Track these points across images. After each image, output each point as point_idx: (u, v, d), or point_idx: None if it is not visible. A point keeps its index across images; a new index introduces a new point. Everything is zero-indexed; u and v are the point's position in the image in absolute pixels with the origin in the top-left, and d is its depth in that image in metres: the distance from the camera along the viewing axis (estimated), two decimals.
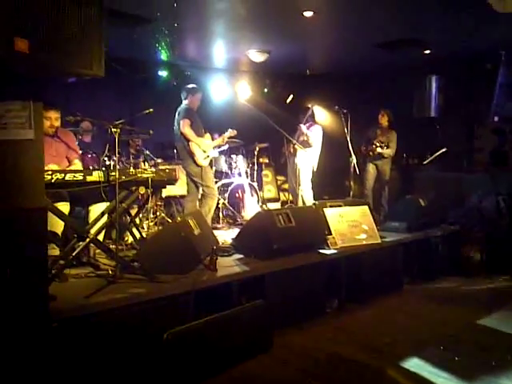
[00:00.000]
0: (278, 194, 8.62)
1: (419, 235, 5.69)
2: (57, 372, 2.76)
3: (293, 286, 4.22)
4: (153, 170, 4.18)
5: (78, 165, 4.68)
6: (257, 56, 7.13)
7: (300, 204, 6.34)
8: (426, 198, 6.16)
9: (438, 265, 5.76)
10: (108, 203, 4.02)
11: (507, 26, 5.48)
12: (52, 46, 2.58)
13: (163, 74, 7.88)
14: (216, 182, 6.59)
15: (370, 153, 6.71)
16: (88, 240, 3.68)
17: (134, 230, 4.54)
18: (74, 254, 3.66)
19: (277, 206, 8.06)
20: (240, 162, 7.07)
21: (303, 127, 6.42)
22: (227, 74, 8.27)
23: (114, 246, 4.19)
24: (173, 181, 4.23)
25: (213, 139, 5.84)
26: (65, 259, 3.66)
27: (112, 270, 3.73)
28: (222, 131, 6.07)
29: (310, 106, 6.74)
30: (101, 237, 4.02)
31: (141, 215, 5.52)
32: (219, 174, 7.16)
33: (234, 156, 7.29)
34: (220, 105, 8.06)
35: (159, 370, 3.09)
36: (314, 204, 5.32)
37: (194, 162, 5.43)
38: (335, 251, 4.65)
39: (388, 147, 6.65)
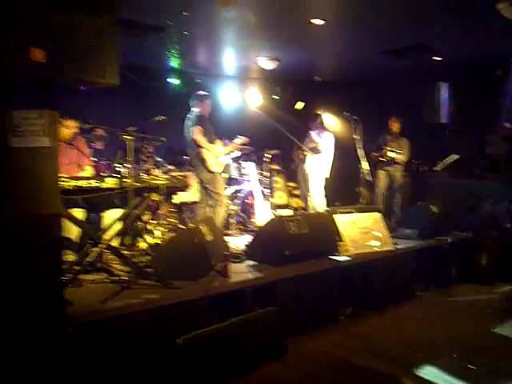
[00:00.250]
0: (289, 201, 8.60)
1: (431, 242, 5.66)
2: (72, 376, 2.78)
3: (305, 293, 4.21)
4: (165, 176, 4.21)
5: (88, 171, 4.73)
6: (267, 63, 7.17)
7: (310, 210, 6.33)
8: (437, 204, 6.12)
9: (451, 272, 5.72)
10: (121, 209, 4.06)
11: None
12: (67, 56, 2.63)
13: (174, 81, 7.94)
14: (227, 189, 6.61)
15: (381, 158, 6.68)
16: (102, 246, 3.71)
17: (147, 236, 4.57)
18: (88, 260, 3.69)
19: (287, 212, 8.04)
20: (251, 168, 7.08)
21: (313, 134, 6.43)
22: (237, 81, 8.31)
23: (127, 252, 4.22)
24: (185, 187, 4.26)
25: (224, 146, 5.87)
26: (80, 265, 3.69)
27: (126, 276, 3.76)
28: (232, 138, 6.10)
29: (319, 112, 6.75)
30: (115, 243, 4.05)
31: (153, 221, 5.54)
32: (230, 181, 7.18)
33: (244, 162, 7.31)
34: (230, 112, 8.11)
35: (173, 375, 3.09)
36: (326, 211, 5.32)
37: (206, 168, 5.46)
38: (347, 258, 4.64)
39: (401, 153, 6.62)
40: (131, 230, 4.28)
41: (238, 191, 7.07)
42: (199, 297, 3.54)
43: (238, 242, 5.77)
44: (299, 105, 7.64)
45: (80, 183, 3.60)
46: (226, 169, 6.96)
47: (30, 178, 2.69)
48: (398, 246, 5.19)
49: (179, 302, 3.43)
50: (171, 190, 4.51)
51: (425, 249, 5.52)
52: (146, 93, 7.33)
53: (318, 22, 5.39)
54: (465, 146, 7.41)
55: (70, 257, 3.94)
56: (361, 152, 6.13)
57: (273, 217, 5.74)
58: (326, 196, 6.49)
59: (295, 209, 8.33)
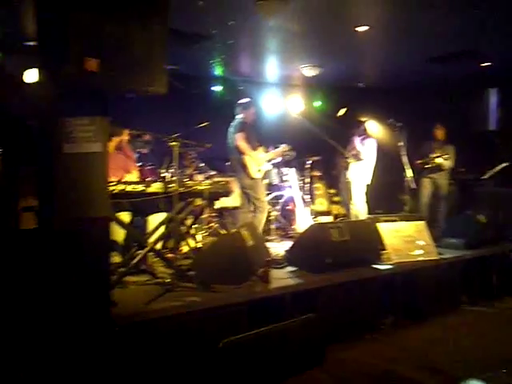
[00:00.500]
0: (330, 208, 8.55)
1: (478, 252, 5.48)
2: (117, 374, 2.87)
3: (346, 301, 4.18)
4: (209, 182, 4.29)
5: (134, 174, 4.86)
6: (309, 71, 7.17)
7: (352, 218, 6.27)
8: (484, 213, 5.94)
9: (499, 283, 5.52)
10: (165, 214, 4.16)
11: None
12: (119, 66, 2.74)
13: (217, 88, 8.06)
14: (268, 195, 6.65)
15: (427, 165, 6.54)
16: (147, 249, 3.81)
17: (190, 240, 4.66)
18: (133, 262, 3.80)
19: (328, 219, 7.99)
20: (292, 174, 7.09)
21: (356, 140, 6.38)
22: (279, 88, 8.35)
23: (170, 255, 4.32)
24: (228, 193, 4.32)
25: (267, 152, 5.92)
26: (125, 267, 3.81)
27: (169, 278, 3.85)
28: (274, 144, 6.14)
29: (363, 119, 6.69)
30: (158, 246, 4.16)
31: (195, 226, 5.63)
32: (271, 187, 7.21)
33: (285, 169, 7.32)
34: (272, 118, 8.15)
35: (213, 377, 3.13)
36: (368, 218, 5.26)
37: (248, 174, 5.51)
38: (390, 267, 4.57)
39: (447, 159, 6.46)
40: (174, 233, 4.38)
41: (278, 197, 7.09)
42: (240, 301, 3.58)
43: (278, 247, 5.79)
44: (341, 111, 7.59)
45: (127, 188, 3.72)
46: (267, 175, 7.00)
47: (81, 183, 2.81)
48: (443, 256, 5.06)
49: (220, 306, 3.47)
50: (214, 196, 4.58)
51: (471, 259, 5.36)
52: (189, 100, 7.48)
53: (363, 28, 5.36)
54: None
55: (115, 259, 4.07)
56: (405, 159, 6.03)
57: (313, 223, 5.71)
58: (367, 203, 6.41)
59: (336, 216, 8.27)
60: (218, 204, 6.33)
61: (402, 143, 6.05)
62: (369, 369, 3.56)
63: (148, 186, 3.85)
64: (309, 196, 7.40)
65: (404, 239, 4.92)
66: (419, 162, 6.62)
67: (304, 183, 7.56)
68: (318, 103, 8.68)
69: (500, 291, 5.50)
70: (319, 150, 7.63)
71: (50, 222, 2.82)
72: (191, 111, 7.45)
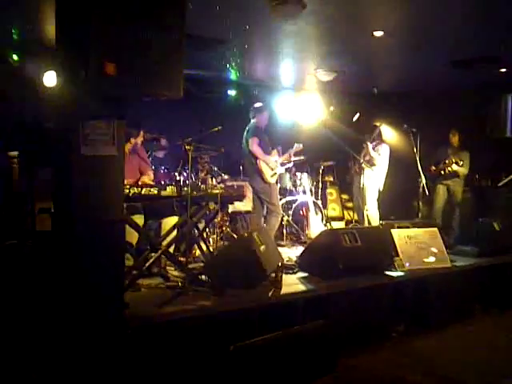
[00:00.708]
0: (343, 213, 8.53)
1: (492, 261, 5.42)
2: (129, 375, 2.89)
3: (357, 308, 4.16)
4: (222, 186, 4.31)
5: (150, 175, 4.90)
6: (324, 75, 7.16)
7: (365, 224, 6.25)
8: (499, 221, 5.87)
9: None
10: (179, 217, 4.19)
11: None
12: (137, 70, 2.78)
13: (232, 92, 8.10)
14: (280, 199, 6.65)
15: (442, 171, 6.48)
16: (160, 252, 3.84)
17: (202, 244, 4.68)
18: (146, 265, 3.83)
19: (341, 224, 7.98)
20: (305, 179, 7.09)
21: (369, 146, 6.35)
22: (294, 92, 8.36)
23: (183, 259, 4.35)
24: (241, 197, 4.34)
25: (277, 154, 5.93)
26: (138, 269, 3.84)
27: (181, 282, 3.87)
28: (287, 149, 6.15)
29: (377, 124, 6.67)
30: (171, 249, 4.19)
31: (208, 230, 5.66)
32: (284, 191, 7.22)
33: (298, 173, 7.33)
34: (286, 123, 8.16)
35: (223, 381, 3.14)
36: (381, 224, 5.24)
37: (262, 179, 5.53)
38: (402, 273, 4.54)
39: (463, 166, 6.41)
40: (187, 237, 4.40)
41: (291, 202, 7.09)
42: (251, 306, 3.59)
43: (290, 252, 5.79)
44: (356, 116, 7.58)
45: (141, 191, 3.76)
46: (280, 179, 7.02)
47: (98, 185, 2.85)
48: (455, 264, 5.02)
49: (232, 310, 3.49)
50: (227, 200, 4.60)
51: (485, 267, 5.30)
52: (204, 104, 7.52)
53: (379, 33, 5.35)
54: None
55: (128, 261, 4.11)
56: (419, 165, 5.99)
57: (325, 229, 5.71)
58: (379, 209, 6.38)
59: (349, 221, 8.25)
60: (230, 208, 6.36)
61: (416, 149, 6.02)
62: (380, 376, 3.54)
63: (162, 189, 3.88)
64: (321, 201, 7.39)
65: (417, 246, 4.89)
66: (434, 168, 6.58)
67: (317, 188, 7.55)
68: (332, 108, 8.67)
69: None
70: (332, 155, 7.62)
71: (65, 224, 2.86)
72: (205, 115, 7.49)
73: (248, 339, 3.18)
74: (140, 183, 4.46)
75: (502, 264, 5.48)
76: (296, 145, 6.11)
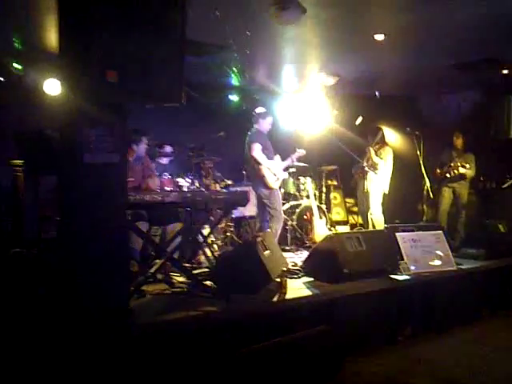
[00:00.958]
0: (347, 217, 8.51)
1: (499, 263, 5.39)
2: (134, 381, 2.88)
3: (363, 312, 4.14)
4: (225, 191, 4.31)
5: (154, 180, 4.89)
6: (326, 79, 7.17)
7: (370, 228, 6.23)
8: (505, 223, 5.84)
9: None
10: (183, 223, 4.19)
11: None
12: (138, 77, 2.79)
13: (234, 98, 8.11)
14: (284, 204, 6.64)
15: (448, 174, 6.45)
16: (165, 258, 3.84)
17: (207, 250, 4.68)
18: (151, 271, 3.83)
19: (345, 228, 7.96)
20: (308, 184, 7.08)
21: (372, 152, 6.33)
22: (296, 96, 8.37)
23: (187, 265, 4.34)
24: (244, 202, 4.34)
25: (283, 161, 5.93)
26: (143, 275, 3.84)
27: (186, 288, 3.86)
28: (290, 154, 6.14)
29: (380, 127, 6.67)
30: (176, 255, 4.19)
31: (212, 235, 5.66)
32: (287, 196, 7.21)
33: (302, 178, 7.32)
34: (288, 128, 8.16)
35: None
36: (386, 228, 5.22)
37: (264, 184, 5.52)
38: (408, 277, 4.52)
39: (469, 168, 6.38)
40: (192, 243, 4.41)
41: (294, 207, 7.08)
42: (256, 311, 3.58)
43: (295, 257, 5.78)
44: (359, 120, 7.57)
45: (145, 197, 3.76)
46: (284, 184, 7.01)
47: (101, 192, 2.85)
48: (461, 266, 4.99)
49: (237, 315, 3.48)
50: (230, 205, 4.60)
51: (491, 270, 5.27)
52: (206, 110, 7.54)
53: (380, 37, 5.35)
54: None
55: (134, 268, 4.11)
56: (423, 168, 5.97)
57: (330, 233, 5.69)
58: (384, 212, 6.36)
59: (353, 225, 8.23)
60: (235, 213, 6.36)
61: (419, 152, 6.00)
62: (386, 381, 3.51)
63: (166, 195, 3.88)
64: (325, 205, 7.38)
65: (422, 249, 4.87)
66: (439, 170, 6.55)
67: (320, 192, 7.54)
68: (335, 112, 8.67)
69: None
70: (336, 159, 7.61)
71: (69, 231, 2.87)
72: (208, 121, 7.51)
73: (253, 344, 3.17)
74: (144, 186, 4.46)
75: (509, 266, 5.44)
76: (298, 150, 6.11)
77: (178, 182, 5.74)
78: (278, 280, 3.99)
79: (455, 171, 6.36)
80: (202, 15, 4.38)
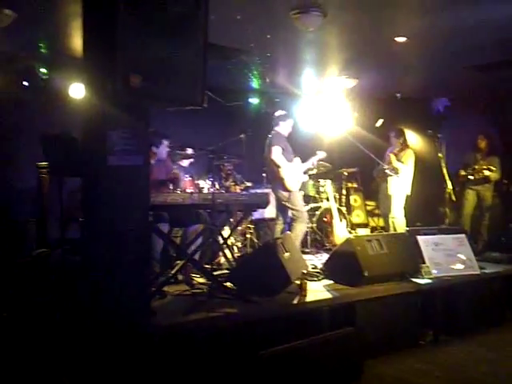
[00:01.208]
0: (367, 220, 8.44)
1: None
2: (156, 382, 2.92)
3: (384, 315, 4.11)
4: (245, 193, 4.33)
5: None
6: (346, 82, 7.15)
7: (391, 231, 6.18)
8: None
9: None
10: (204, 224, 4.23)
11: None
12: (161, 81, 2.82)
13: (254, 101, 8.14)
14: (304, 206, 6.63)
15: (470, 177, 6.37)
16: (185, 259, 3.88)
17: (227, 251, 4.71)
18: (172, 272, 3.87)
19: (366, 231, 7.90)
20: (328, 186, 7.06)
21: (393, 158, 6.27)
22: (316, 99, 8.36)
23: (208, 266, 4.38)
24: (265, 204, 4.35)
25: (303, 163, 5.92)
26: (164, 277, 3.88)
27: (206, 289, 3.89)
28: (310, 156, 6.14)
29: (401, 129, 6.62)
30: (196, 256, 4.22)
31: (233, 237, 5.69)
32: (307, 199, 7.19)
33: (322, 180, 7.31)
34: (308, 130, 8.15)
35: None
36: (407, 231, 5.17)
37: (284, 187, 5.52)
38: (429, 281, 4.47)
39: (494, 171, 6.29)
40: (212, 244, 4.44)
41: (314, 209, 7.07)
42: (276, 313, 3.59)
43: (315, 260, 5.77)
44: (379, 122, 7.53)
45: (166, 199, 3.80)
46: (304, 186, 7.00)
47: (124, 194, 2.90)
48: (484, 271, 4.92)
49: (257, 318, 3.49)
50: (250, 207, 4.62)
51: None
52: (227, 113, 7.59)
53: (401, 39, 5.32)
54: None
55: (155, 268, 4.16)
56: (445, 171, 5.90)
57: (350, 236, 5.65)
58: (406, 216, 6.30)
59: (374, 228, 8.16)
60: (255, 215, 6.38)
61: (441, 154, 5.93)
62: None
63: (186, 197, 3.91)
64: (345, 208, 7.34)
65: (444, 253, 4.81)
66: (463, 173, 6.47)
67: (340, 195, 7.51)
68: (355, 114, 8.63)
69: None
70: (356, 162, 7.57)
71: (93, 232, 2.92)
72: (228, 123, 7.56)
73: (274, 346, 3.18)
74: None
75: None
76: (319, 152, 6.10)
77: (198, 183, 5.79)
78: (298, 282, 3.99)
79: (480, 174, 6.27)
80: (224, 19, 4.43)
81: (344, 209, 7.22)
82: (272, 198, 5.83)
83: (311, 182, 7.29)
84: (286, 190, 5.52)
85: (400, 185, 6.26)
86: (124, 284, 2.86)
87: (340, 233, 6.50)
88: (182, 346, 3.09)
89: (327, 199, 6.98)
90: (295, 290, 3.98)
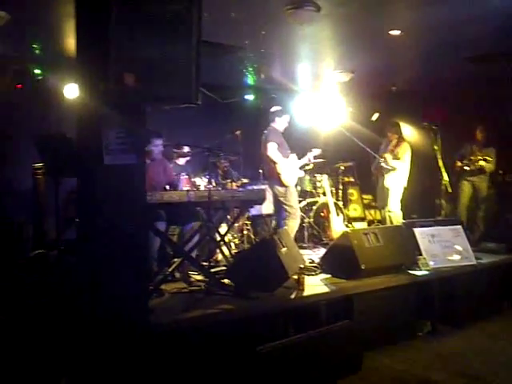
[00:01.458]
0: (364, 213, 8.47)
1: None
2: (154, 380, 2.94)
3: (382, 308, 4.14)
4: (242, 190, 4.35)
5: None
6: (341, 76, 7.16)
7: (388, 224, 6.20)
8: None
9: None
10: (201, 222, 4.24)
11: None
12: (155, 79, 2.83)
13: (250, 97, 8.14)
14: (301, 202, 6.65)
15: (466, 168, 6.41)
16: (183, 257, 3.89)
17: (224, 248, 4.73)
18: (170, 270, 3.89)
19: (363, 225, 7.93)
20: (325, 180, 7.08)
21: (388, 157, 6.28)
22: (311, 94, 8.36)
23: (205, 263, 4.39)
24: (261, 201, 4.37)
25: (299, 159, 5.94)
26: (162, 275, 3.90)
27: (204, 286, 3.91)
28: (306, 151, 6.16)
29: (396, 123, 6.63)
30: (193, 254, 4.24)
31: (230, 233, 5.70)
32: (304, 194, 7.22)
33: (318, 175, 7.32)
34: (304, 125, 8.16)
35: (250, 382, 3.16)
36: (404, 223, 5.20)
37: (280, 182, 5.54)
38: (426, 272, 4.50)
39: (489, 162, 6.32)
40: (209, 241, 4.45)
41: (311, 204, 7.09)
42: (274, 308, 3.61)
43: (312, 254, 5.79)
44: (375, 116, 7.54)
45: (163, 197, 3.81)
46: (300, 182, 7.02)
47: (120, 193, 2.90)
48: (481, 261, 4.95)
49: (255, 313, 3.51)
50: (247, 203, 4.64)
51: (511, 264, 5.21)
52: (222, 109, 7.59)
53: (396, 32, 5.33)
54: None
55: (152, 267, 4.17)
56: (441, 163, 5.92)
57: (347, 230, 5.69)
58: (401, 209, 6.33)
59: (371, 222, 8.19)
60: (252, 212, 6.40)
61: (437, 146, 5.95)
62: (405, 377, 3.51)
63: (183, 195, 3.93)
64: (342, 202, 7.36)
65: (441, 244, 4.84)
66: (459, 164, 6.50)
67: (337, 189, 7.53)
68: (350, 108, 8.64)
69: None
70: (352, 156, 7.59)
71: (89, 232, 2.93)
72: (224, 120, 7.55)
73: (272, 341, 3.20)
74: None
75: None
76: (314, 150, 6.12)
77: (195, 181, 5.81)
78: (296, 277, 4.02)
79: (475, 164, 6.31)
80: (218, 16, 4.43)
81: (341, 203, 7.24)
82: (269, 194, 5.85)
83: (308, 177, 7.30)
84: (283, 185, 5.53)
85: (397, 178, 6.29)
86: (122, 283, 2.87)
87: (337, 227, 6.52)
88: (180, 343, 3.11)
89: (324, 194, 6.99)
90: (293, 284, 4.00)
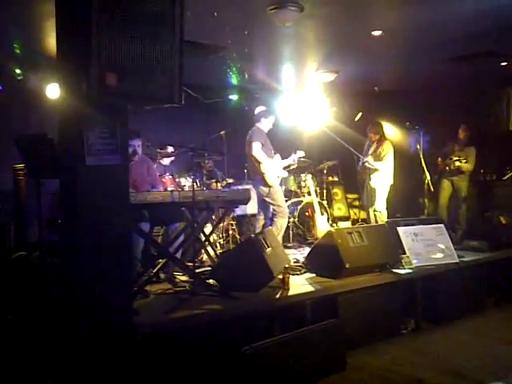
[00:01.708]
0: (349, 212, 8.53)
1: (501, 254, 5.41)
2: (139, 382, 2.91)
3: (366, 306, 4.16)
4: (227, 190, 4.34)
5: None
6: (325, 76, 7.19)
7: (373, 223, 6.25)
8: (506, 215, 5.86)
9: None
10: (185, 222, 4.22)
11: None
12: (137, 79, 2.80)
13: (234, 97, 8.13)
14: (286, 201, 6.66)
15: (447, 167, 6.51)
16: (167, 258, 3.87)
17: (209, 248, 4.71)
18: (154, 271, 3.86)
19: (347, 224, 7.98)
20: (309, 180, 7.11)
21: (371, 160, 6.33)
22: (295, 94, 8.39)
23: (190, 264, 4.38)
24: (246, 201, 4.36)
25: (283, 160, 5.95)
26: (146, 276, 3.87)
27: (189, 287, 3.90)
28: (290, 151, 6.17)
29: (378, 122, 6.69)
30: (178, 254, 4.22)
31: (214, 234, 5.69)
32: (288, 193, 7.23)
33: (302, 175, 7.35)
34: (288, 125, 8.18)
35: (236, 383, 3.16)
36: (387, 222, 5.24)
37: (265, 182, 5.54)
38: (410, 271, 4.55)
39: (467, 162, 6.42)
40: (194, 242, 4.43)
41: (296, 203, 7.11)
42: (259, 308, 3.61)
43: (297, 254, 5.81)
44: (358, 116, 7.59)
45: (146, 198, 3.79)
46: (285, 181, 7.03)
47: (104, 194, 2.88)
48: (463, 259, 5.01)
49: (240, 313, 3.51)
50: (232, 204, 4.63)
51: (494, 262, 5.29)
52: (206, 110, 7.57)
53: (378, 32, 5.37)
54: None
55: (137, 268, 4.14)
56: (423, 162, 5.99)
57: (331, 229, 5.72)
58: (386, 208, 6.39)
59: (355, 221, 8.25)
60: (237, 211, 6.39)
61: (419, 146, 6.02)
62: (390, 375, 3.54)
63: (167, 195, 3.90)
64: (326, 201, 7.40)
65: (424, 243, 4.90)
66: (440, 162, 6.59)
67: (321, 189, 7.56)
68: (334, 108, 8.68)
69: None
70: (336, 155, 7.63)
71: (72, 233, 2.90)
72: (208, 120, 7.54)
73: (258, 341, 3.20)
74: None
75: (510, 258, 5.46)
76: (298, 152, 6.14)
77: (179, 181, 5.79)
78: (281, 277, 4.02)
79: (452, 165, 6.41)
80: (200, 16, 4.41)
81: (325, 202, 7.28)
82: (253, 194, 5.85)
83: (292, 177, 7.32)
84: (267, 185, 5.54)
85: (382, 178, 6.34)
86: (106, 284, 2.84)
87: (322, 226, 6.55)
88: (165, 344, 3.09)
89: (308, 193, 7.02)
90: (278, 284, 4.00)
